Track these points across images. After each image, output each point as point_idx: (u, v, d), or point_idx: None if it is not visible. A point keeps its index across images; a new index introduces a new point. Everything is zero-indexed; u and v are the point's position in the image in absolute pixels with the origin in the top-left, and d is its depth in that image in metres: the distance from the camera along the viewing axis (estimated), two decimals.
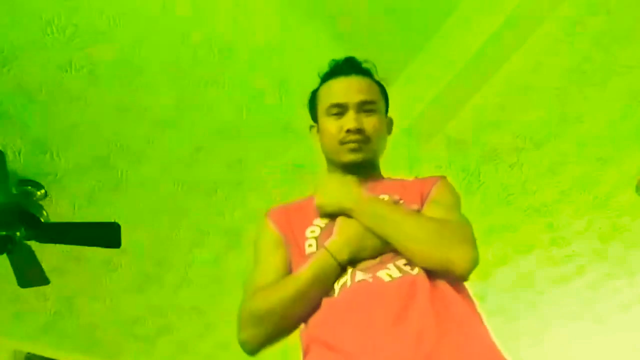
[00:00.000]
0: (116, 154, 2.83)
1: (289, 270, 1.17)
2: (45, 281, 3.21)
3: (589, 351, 4.63)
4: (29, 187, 2.95)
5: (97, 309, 3.88)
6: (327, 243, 1.13)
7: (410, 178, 1.34)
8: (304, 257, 1.16)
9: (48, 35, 2.33)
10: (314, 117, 1.38)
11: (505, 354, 1.02)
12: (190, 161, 2.89)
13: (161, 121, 2.70)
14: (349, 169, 1.28)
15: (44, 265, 3.13)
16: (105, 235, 2.96)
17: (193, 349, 4.34)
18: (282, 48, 2.43)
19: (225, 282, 3.62)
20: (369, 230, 1.12)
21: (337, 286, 1.10)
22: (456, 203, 1.24)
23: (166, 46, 2.40)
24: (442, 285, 1.06)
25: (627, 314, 4.19)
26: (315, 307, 1.10)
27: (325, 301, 1.09)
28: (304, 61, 2.47)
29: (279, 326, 1.12)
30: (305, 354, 1.09)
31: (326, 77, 1.36)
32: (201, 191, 3.05)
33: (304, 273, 1.11)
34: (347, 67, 1.34)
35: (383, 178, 1.35)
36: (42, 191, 2.98)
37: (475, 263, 1.07)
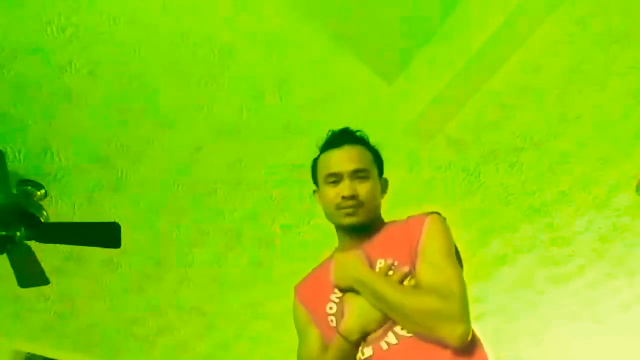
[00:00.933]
0: (116, 154, 2.83)
1: (323, 341, 1.39)
2: (45, 281, 3.22)
3: (588, 351, 4.63)
4: (29, 187, 2.95)
5: (97, 309, 3.88)
6: (340, 326, 1.32)
7: (402, 220, 1.44)
8: (331, 329, 1.35)
9: (48, 35, 2.33)
10: (316, 183, 1.54)
11: None
12: (190, 161, 2.89)
13: (161, 121, 2.70)
14: (348, 230, 1.45)
15: (44, 265, 3.13)
16: (105, 235, 2.96)
17: (193, 349, 4.34)
18: (282, 48, 2.43)
19: (225, 282, 3.62)
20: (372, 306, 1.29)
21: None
22: (446, 250, 1.33)
23: (166, 46, 2.40)
24: (437, 350, 1.20)
25: (627, 314, 4.19)
26: None
27: None
28: (304, 61, 2.47)
29: None
30: None
31: (323, 149, 1.52)
32: (201, 191, 3.05)
33: (329, 357, 1.33)
34: (340, 138, 1.50)
35: (383, 226, 1.47)
36: (42, 191, 2.98)
37: (466, 335, 1.19)
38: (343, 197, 1.41)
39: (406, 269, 1.31)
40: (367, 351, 1.28)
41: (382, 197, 1.51)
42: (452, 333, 1.18)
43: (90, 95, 2.57)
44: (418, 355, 1.21)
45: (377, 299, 1.28)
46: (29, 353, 4.20)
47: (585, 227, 3.35)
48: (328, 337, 1.36)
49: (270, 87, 2.57)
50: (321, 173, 1.49)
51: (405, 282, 1.30)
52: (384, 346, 1.25)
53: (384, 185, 1.53)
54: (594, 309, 4.12)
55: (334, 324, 1.36)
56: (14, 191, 2.92)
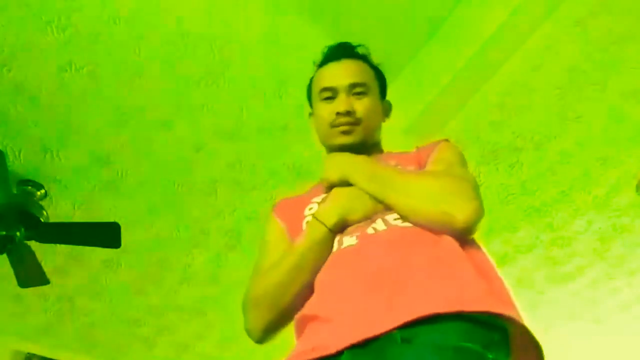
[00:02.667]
0: (116, 154, 2.83)
1: None
2: (45, 281, 3.21)
3: (588, 351, 4.63)
4: (29, 187, 2.95)
5: (97, 309, 3.88)
6: (316, 211, 1.13)
7: (412, 149, 1.30)
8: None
9: (48, 35, 2.33)
10: (311, 104, 1.40)
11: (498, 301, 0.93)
12: (190, 161, 2.89)
13: (161, 121, 2.70)
14: (344, 152, 1.26)
15: (44, 265, 3.13)
16: (105, 235, 2.96)
17: (193, 349, 4.34)
18: (282, 48, 2.43)
19: (225, 282, 3.62)
20: (366, 193, 1.10)
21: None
22: (459, 160, 1.20)
23: (166, 46, 2.40)
24: (432, 236, 1.01)
25: (627, 314, 4.19)
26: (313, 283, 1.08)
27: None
28: (304, 61, 2.46)
29: (279, 306, 1.10)
30: (295, 332, 1.07)
31: (320, 64, 1.36)
32: (201, 191, 3.05)
33: (297, 246, 1.10)
34: (338, 52, 1.34)
35: (382, 153, 1.34)
36: (42, 191, 2.98)
37: (478, 214, 1.01)
38: (338, 113, 1.24)
39: (410, 167, 1.17)
40: (348, 240, 1.05)
41: (384, 121, 1.37)
42: (463, 208, 1.00)
43: (90, 95, 2.57)
44: (410, 238, 1.01)
45: (374, 180, 1.10)
46: (29, 353, 4.19)
47: (585, 227, 3.35)
48: None
49: (270, 87, 2.57)
50: (315, 89, 1.33)
51: None
52: (371, 231, 1.05)
53: (386, 107, 1.38)
54: (594, 309, 4.11)
55: None
56: (14, 191, 2.93)
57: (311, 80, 1.39)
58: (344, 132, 1.25)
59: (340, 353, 0.89)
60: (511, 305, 0.97)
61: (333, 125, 1.26)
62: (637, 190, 3.10)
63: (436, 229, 1.01)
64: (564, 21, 2.27)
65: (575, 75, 2.51)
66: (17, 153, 2.82)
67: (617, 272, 3.74)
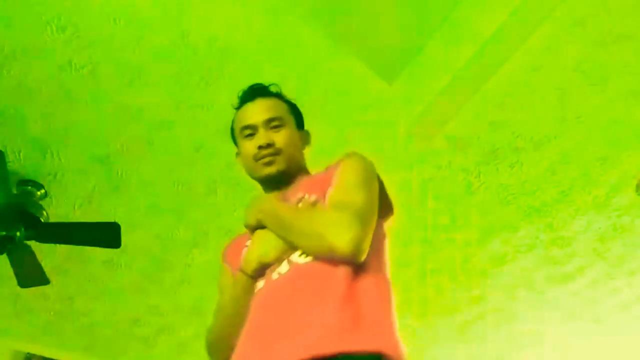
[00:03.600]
0: (116, 154, 2.83)
1: None
2: (45, 281, 3.21)
3: (588, 351, 4.63)
4: (29, 187, 2.95)
5: (97, 309, 3.88)
6: (242, 259, 1.25)
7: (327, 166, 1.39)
8: None
9: (48, 35, 2.33)
10: (236, 144, 1.53)
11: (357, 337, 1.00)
12: (190, 161, 2.89)
13: (161, 121, 2.70)
14: (269, 182, 1.42)
15: (44, 265, 3.13)
16: (105, 235, 2.96)
17: (193, 349, 4.33)
18: (282, 48, 2.42)
19: None
20: (276, 234, 1.22)
21: None
22: (356, 179, 1.26)
23: (166, 46, 2.40)
24: (327, 269, 1.10)
25: (627, 314, 4.19)
26: None
27: None
28: (304, 61, 2.47)
29: (228, 350, 1.16)
30: None
31: (238, 107, 1.51)
32: (201, 191, 3.05)
33: (230, 295, 1.27)
34: (253, 93, 1.51)
35: (306, 176, 1.45)
36: (42, 191, 2.98)
37: (357, 241, 1.09)
38: (259, 147, 1.39)
39: (313, 198, 1.26)
40: (260, 284, 1.19)
41: (304, 149, 1.51)
42: (342, 239, 1.08)
43: (90, 95, 2.57)
44: (307, 278, 1.12)
45: (277, 223, 1.23)
46: (29, 353, 4.20)
47: (585, 227, 3.35)
48: None
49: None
50: (237, 129, 1.48)
51: None
52: (275, 276, 1.17)
53: (304, 136, 1.52)
54: (594, 309, 4.11)
55: None
56: (14, 191, 2.92)
57: (232, 122, 1.52)
58: (267, 164, 1.40)
59: None
60: (380, 337, 1.03)
61: (257, 159, 1.41)
62: (637, 190, 3.10)
63: (330, 260, 1.10)
64: (564, 21, 2.27)
65: (575, 75, 2.51)
66: (17, 153, 2.82)
67: (617, 272, 3.74)
